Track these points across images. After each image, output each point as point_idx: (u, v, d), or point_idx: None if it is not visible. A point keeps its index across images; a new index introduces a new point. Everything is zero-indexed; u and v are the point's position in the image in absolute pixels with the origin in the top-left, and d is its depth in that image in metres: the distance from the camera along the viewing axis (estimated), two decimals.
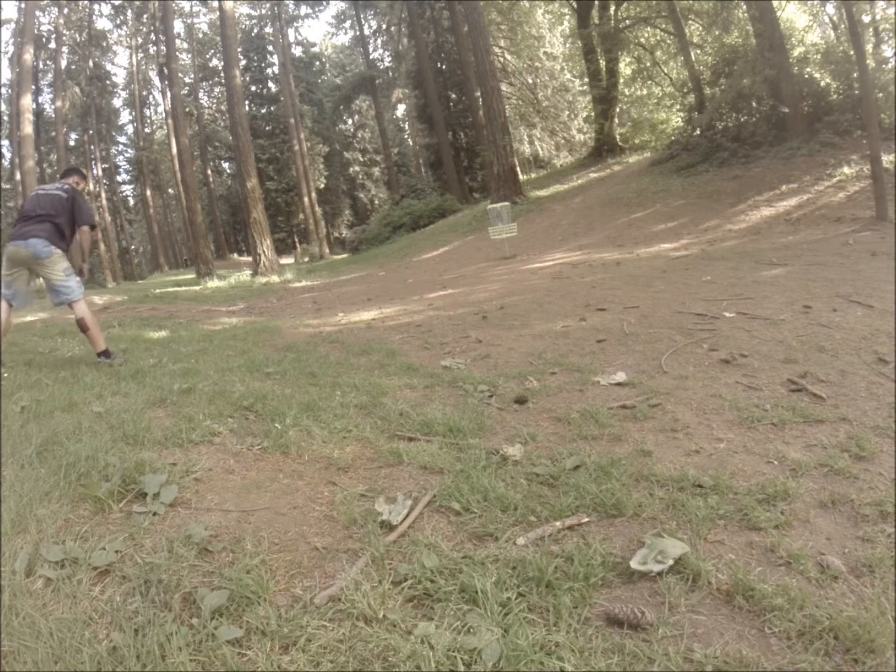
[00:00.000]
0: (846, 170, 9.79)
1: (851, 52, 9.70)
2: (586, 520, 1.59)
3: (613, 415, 2.37)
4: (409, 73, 29.25)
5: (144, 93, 37.57)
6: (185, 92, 34.24)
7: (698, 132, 13.54)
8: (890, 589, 1.23)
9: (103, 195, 34.73)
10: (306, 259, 27.20)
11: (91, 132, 33.29)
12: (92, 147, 33.82)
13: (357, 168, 43.16)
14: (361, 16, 33.24)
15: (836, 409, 2.23)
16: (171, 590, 1.30)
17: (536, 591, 1.28)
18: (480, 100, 18.29)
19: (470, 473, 1.86)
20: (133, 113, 37.04)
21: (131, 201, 45.74)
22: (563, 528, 1.55)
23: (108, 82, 34.29)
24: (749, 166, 11.38)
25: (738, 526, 1.52)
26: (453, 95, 28.94)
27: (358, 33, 34.55)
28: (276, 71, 36.21)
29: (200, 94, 39.48)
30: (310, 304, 8.38)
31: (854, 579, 1.29)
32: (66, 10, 28.86)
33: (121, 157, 41.33)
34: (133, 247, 46.36)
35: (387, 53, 34.59)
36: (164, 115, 34.53)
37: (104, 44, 33.00)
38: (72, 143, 33.18)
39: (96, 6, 30.82)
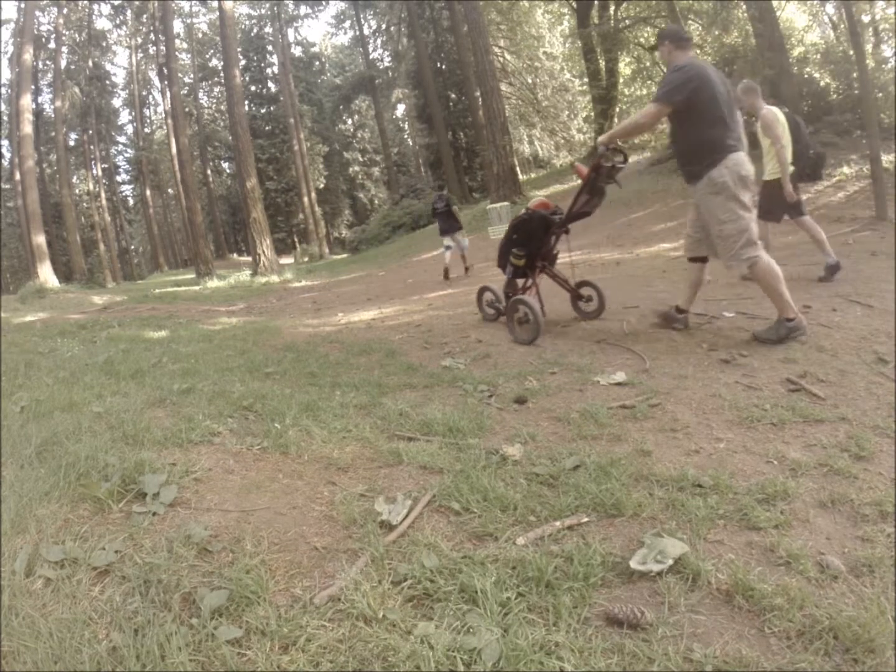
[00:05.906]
0: (846, 170, 9.78)
1: (851, 52, 9.69)
2: (586, 520, 1.59)
3: (613, 415, 2.37)
4: (409, 73, 29.25)
5: (144, 93, 37.55)
6: (185, 92, 34.22)
7: None
8: (890, 589, 1.23)
9: (103, 195, 34.76)
10: (306, 259, 27.21)
11: (91, 132, 33.30)
12: (91, 147, 33.83)
13: (357, 168, 43.13)
14: (361, 16, 33.25)
15: (835, 409, 2.23)
16: (171, 590, 1.30)
17: (536, 591, 1.28)
18: (480, 100, 18.29)
19: (469, 473, 1.86)
20: (133, 113, 37.04)
21: (131, 201, 45.77)
22: (563, 528, 1.55)
23: (107, 82, 34.28)
24: None
25: (737, 526, 1.52)
26: (453, 95, 28.96)
27: (358, 33, 34.55)
28: (276, 71, 36.20)
29: (200, 94, 39.46)
30: (309, 303, 8.38)
31: (854, 579, 1.28)
32: (65, 10, 28.83)
33: (120, 157, 41.34)
34: (133, 247, 46.44)
35: (386, 53, 34.57)
36: (163, 115, 34.48)
37: (104, 44, 32.98)
38: (71, 143, 33.19)
39: (96, 6, 30.79)
